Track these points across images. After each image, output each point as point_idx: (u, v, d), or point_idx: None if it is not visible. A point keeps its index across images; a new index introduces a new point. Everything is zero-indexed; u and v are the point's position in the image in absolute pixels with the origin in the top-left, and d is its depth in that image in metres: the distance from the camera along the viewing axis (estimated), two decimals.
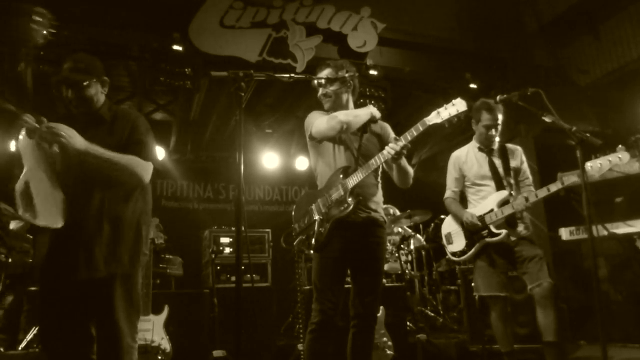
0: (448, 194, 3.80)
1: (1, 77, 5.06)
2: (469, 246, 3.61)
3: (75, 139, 2.11)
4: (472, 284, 3.72)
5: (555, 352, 3.31)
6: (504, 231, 3.45)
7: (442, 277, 6.59)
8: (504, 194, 3.52)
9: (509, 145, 3.74)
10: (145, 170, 2.29)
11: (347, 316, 2.79)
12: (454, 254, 3.73)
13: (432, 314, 5.89)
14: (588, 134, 2.86)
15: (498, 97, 3.30)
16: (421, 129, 2.61)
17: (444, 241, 3.83)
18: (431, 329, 5.51)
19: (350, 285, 2.83)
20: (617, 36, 6.31)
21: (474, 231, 3.56)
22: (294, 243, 2.83)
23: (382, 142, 2.93)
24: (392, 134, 2.98)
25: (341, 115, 2.78)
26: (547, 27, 6.65)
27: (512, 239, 3.47)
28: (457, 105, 2.59)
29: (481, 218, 3.53)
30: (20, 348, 4.06)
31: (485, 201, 3.59)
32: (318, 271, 2.74)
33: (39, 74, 5.19)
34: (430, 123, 2.61)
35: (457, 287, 6.10)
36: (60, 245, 2.18)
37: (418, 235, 6.38)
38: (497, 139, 3.67)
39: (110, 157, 2.19)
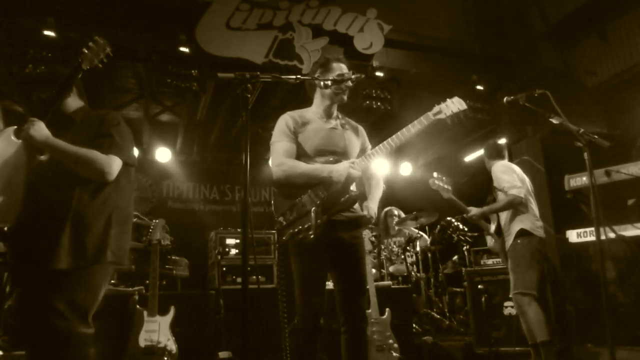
0: None
1: (10, 79, 5.09)
2: None
3: (36, 131, 2.10)
4: None
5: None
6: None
7: (449, 279, 6.56)
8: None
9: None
10: (107, 164, 2.20)
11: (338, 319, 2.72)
12: None
13: (438, 316, 5.87)
14: (596, 136, 2.85)
15: (505, 99, 3.30)
16: (413, 131, 2.61)
17: None
18: (437, 331, 5.49)
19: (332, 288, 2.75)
20: (625, 37, 6.27)
21: None
22: (284, 237, 2.63)
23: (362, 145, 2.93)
24: (367, 138, 2.99)
25: (290, 169, 2.72)
26: (554, 28, 6.62)
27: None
28: (457, 104, 2.65)
29: None
30: None
31: None
32: (302, 271, 2.64)
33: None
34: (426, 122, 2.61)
35: (464, 289, 6.08)
36: (25, 237, 2.15)
37: (424, 237, 6.35)
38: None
39: (69, 150, 2.15)
